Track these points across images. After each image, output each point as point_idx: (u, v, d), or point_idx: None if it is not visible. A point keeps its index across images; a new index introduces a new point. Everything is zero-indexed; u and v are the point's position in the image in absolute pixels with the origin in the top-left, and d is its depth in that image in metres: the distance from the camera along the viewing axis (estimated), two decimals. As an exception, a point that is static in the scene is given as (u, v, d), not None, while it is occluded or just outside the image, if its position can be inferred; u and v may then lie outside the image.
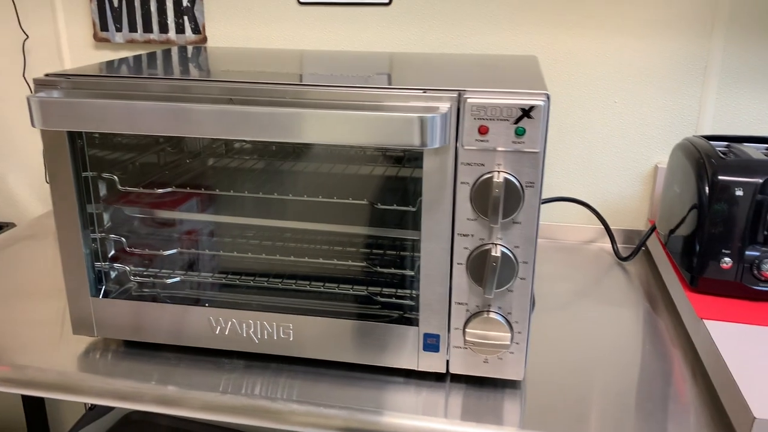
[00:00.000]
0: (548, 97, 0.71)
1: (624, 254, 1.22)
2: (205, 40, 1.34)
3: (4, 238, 1.32)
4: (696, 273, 0.96)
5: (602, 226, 1.26)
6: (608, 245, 1.29)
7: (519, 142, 0.71)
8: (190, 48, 1.18)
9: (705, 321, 0.88)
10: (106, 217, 0.92)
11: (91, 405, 1.53)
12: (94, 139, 0.87)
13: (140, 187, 0.94)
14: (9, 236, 1.33)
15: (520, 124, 0.71)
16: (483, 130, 0.72)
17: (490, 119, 0.71)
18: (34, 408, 1.61)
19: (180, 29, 1.34)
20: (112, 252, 0.93)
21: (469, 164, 0.73)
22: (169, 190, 0.94)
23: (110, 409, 1.51)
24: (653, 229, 1.18)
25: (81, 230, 0.85)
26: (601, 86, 1.24)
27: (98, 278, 0.89)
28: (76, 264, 0.87)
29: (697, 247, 0.95)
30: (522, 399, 0.82)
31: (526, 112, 0.70)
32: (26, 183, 1.54)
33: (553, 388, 0.85)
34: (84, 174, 0.85)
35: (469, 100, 0.71)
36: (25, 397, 1.59)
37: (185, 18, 1.33)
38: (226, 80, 0.78)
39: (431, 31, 1.27)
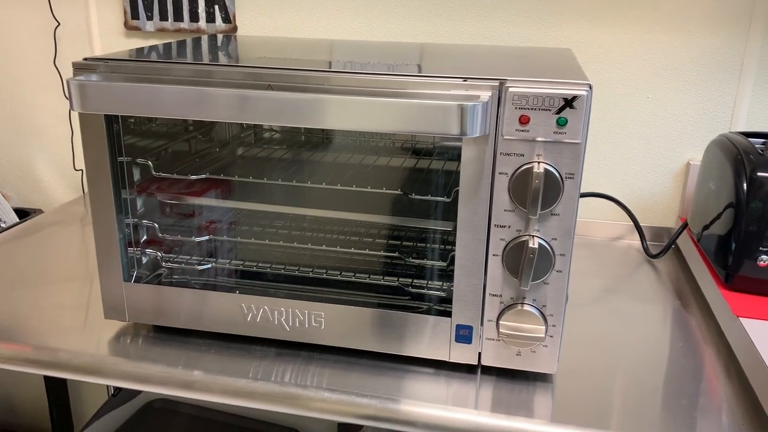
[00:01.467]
0: (591, 87, 0.70)
1: (654, 252, 1.21)
2: (235, 29, 1.35)
3: (32, 224, 1.33)
4: (731, 270, 0.94)
5: (632, 223, 1.25)
6: (637, 242, 1.28)
7: (560, 133, 0.71)
8: (220, 36, 1.18)
9: (741, 319, 0.87)
10: (139, 202, 0.92)
11: (115, 391, 1.54)
12: (129, 124, 0.87)
13: (174, 173, 0.94)
14: (36, 222, 1.34)
15: (562, 114, 0.70)
16: (524, 120, 0.71)
17: (532, 109, 0.70)
18: (58, 395, 1.62)
19: (210, 18, 1.34)
20: (145, 238, 0.93)
21: (508, 154, 0.73)
22: (203, 176, 0.94)
23: (132, 396, 1.52)
24: (685, 226, 1.17)
25: (115, 215, 0.85)
26: (633, 81, 1.23)
27: (131, 263, 0.90)
28: (109, 249, 0.87)
29: (733, 245, 0.94)
30: (553, 393, 0.81)
31: (569, 102, 0.69)
32: (54, 170, 1.56)
33: (583, 383, 0.84)
34: (120, 159, 0.85)
35: (510, 89, 0.71)
36: (48, 384, 1.60)
37: (216, 7, 1.33)
38: (259, 66, 0.78)
39: (464, 22, 1.26)
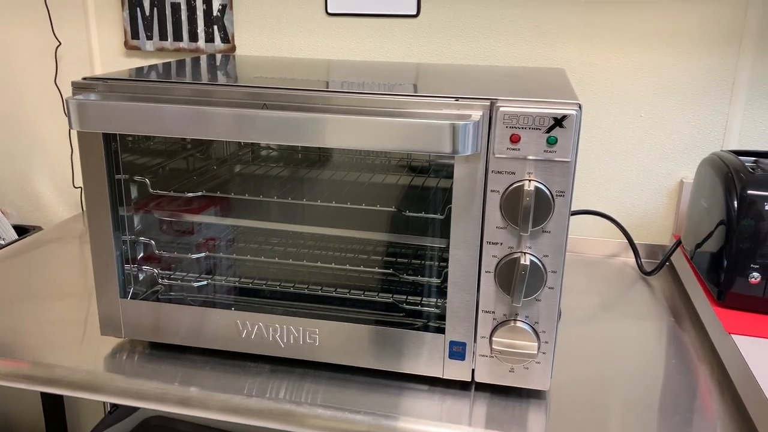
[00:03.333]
0: (580, 107, 0.71)
1: (648, 269, 1.22)
2: (234, 49, 1.36)
3: (31, 240, 1.34)
4: (723, 288, 0.95)
5: (626, 241, 1.26)
6: (632, 260, 1.28)
7: (550, 151, 0.72)
8: (219, 56, 1.20)
9: (733, 335, 0.88)
10: (136, 220, 0.93)
11: (111, 409, 1.54)
12: (127, 142, 0.88)
13: (171, 191, 0.95)
14: (36, 239, 1.35)
15: (552, 133, 0.71)
16: (514, 139, 0.72)
17: (522, 128, 0.72)
18: (54, 411, 1.62)
19: (209, 38, 1.36)
20: (141, 254, 0.94)
21: (499, 172, 0.74)
22: (200, 193, 0.95)
23: (129, 413, 1.52)
24: (678, 243, 1.18)
25: (113, 232, 0.86)
26: (626, 100, 1.24)
27: (127, 280, 0.90)
28: (106, 265, 0.88)
29: (725, 262, 0.95)
30: (547, 409, 0.82)
31: (558, 122, 0.71)
32: (54, 187, 1.57)
33: (577, 400, 0.84)
34: (117, 176, 0.86)
35: (501, 109, 0.72)
36: (44, 401, 1.60)
37: (215, 27, 1.35)
38: (256, 86, 0.79)
39: (458, 42, 1.28)
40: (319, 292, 0.93)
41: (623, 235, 1.25)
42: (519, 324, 0.78)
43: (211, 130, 0.75)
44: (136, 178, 0.91)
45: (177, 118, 0.75)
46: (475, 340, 0.81)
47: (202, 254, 0.98)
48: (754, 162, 1.04)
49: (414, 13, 1.27)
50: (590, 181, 1.30)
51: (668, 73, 1.21)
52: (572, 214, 1.28)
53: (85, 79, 0.83)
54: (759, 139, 1.20)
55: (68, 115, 0.77)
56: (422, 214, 0.90)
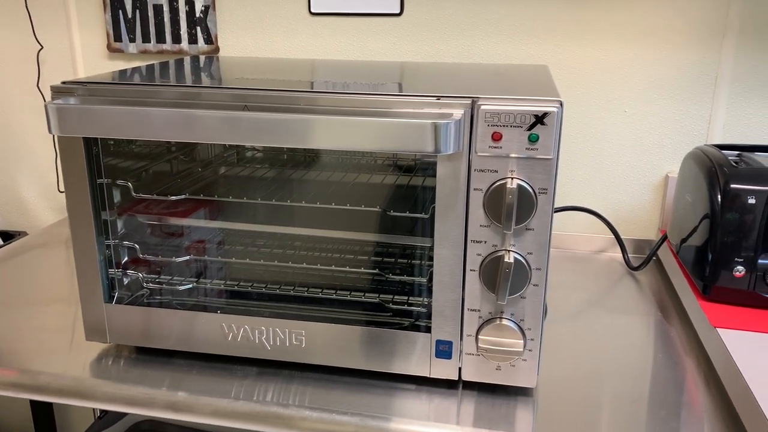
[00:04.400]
0: (561, 104, 0.71)
1: (635, 264, 1.22)
2: (217, 50, 1.36)
3: (16, 246, 1.33)
4: (708, 282, 0.96)
5: (613, 236, 1.26)
6: (619, 255, 1.29)
7: (532, 149, 0.72)
8: (202, 58, 1.19)
9: (718, 329, 0.88)
10: (119, 224, 0.92)
11: (101, 414, 1.53)
12: (108, 146, 0.88)
13: (154, 194, 0.94)
14: (21, 245, 1.34)
15: (534, 130, 0.71)
16: (496, 137, 0.72)
17: (504, 126, 0.72)
18: (43, 417, 1.61)
19: (193, 39, 1.35)
20: (125, 259, 0.94)
21: (482, 171, 0.74)
22: (183, 197, 0.95)
23: (119, 418, 1.51)
24: (664, 238, 1.18)
25: (95, 237, 0.86)
26: (611, 96, 1.24)
27: (111, 285, 0.90)
28: (90, 270, 0.87)
29: (710, 256, 0.95)
30: (534, 407, 0.82)
31: (540, 119, 0.71)
32: (38, 192, 1.56)
33: (565, 396, 0.84)
34: (99, 181, 0.85)
35: (482, 107, 0.72)
36: (34, 406, 1.59)
37: (198, 29, 1.34)
38: (239, 87, 0.79)
39: (442, 41, 1.28)
40: (306, 294, 0.93)
41: (610, 231, 1.25)
42: (504, 322, 0.78)
43: (195, 133, 0.75)
44: (119, 182, 0.90)
45: (158, 122, 0.75)
46: (461, 339, 0.81)
47: (187, 257, 0.98)
48: (738, 156, 1.05)
49: (397, 11, 1.27)
50: (576, 178, 1.30)
51: (652, 68, 1.22)
52: (559, 211, 1.29)
53: (64, 83, 0.82)
54: (742, 133, 1.21)
55: (48, 120, 0.76)
56: (407, 214, 0.90)
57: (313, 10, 1.30)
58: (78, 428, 1.73)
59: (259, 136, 0.73)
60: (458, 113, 0.72)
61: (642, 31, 1.20)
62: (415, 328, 0.83)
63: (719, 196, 0.94)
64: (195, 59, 1.14)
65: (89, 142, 0.83)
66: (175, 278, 0.97)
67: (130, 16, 1.36)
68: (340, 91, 0.76)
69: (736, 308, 0.94)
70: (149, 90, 0.80)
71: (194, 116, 0.74)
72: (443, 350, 0.82)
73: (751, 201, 0.92)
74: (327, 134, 0.72)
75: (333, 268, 0.96)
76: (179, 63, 1.07)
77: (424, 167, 1.03)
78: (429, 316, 0.81)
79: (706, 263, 0.96)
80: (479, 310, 0.79)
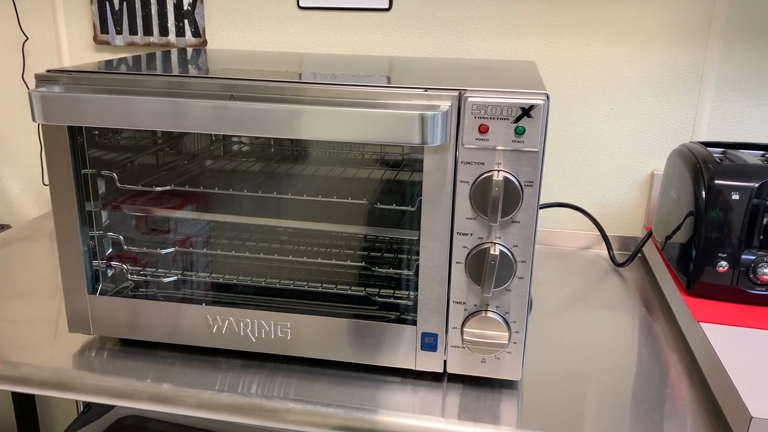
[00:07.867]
0: (548, 97, 0.71)
1: (620, 260, 1.23)
2: (205, 43, 1.35)
3: (0, 239, 1.32)
4: (692, 277, 0.96)
5: (598, 233, 1.27)
6: (604, 251, 1.29)
7: (519, 141, 0.72)
8: (189, 50, 1.18)
9: (701, 324, 0.89)
10: (104, 215, 0.92)
11: (84, 409, 1.52)
12: (93, 136, 0.87)
13: (139, 185, 0.94)
14: (4, 237, 1.33)
15: (520, 123, 0.71)
16: (483, 129, 0.72)
17: (491, 118, 0.72)
18: (26, 411, 1.59)
19: (180, 32, 1.34)
20: (110, 250, 0.93)
21: (468, 163, 0.74)
22: (168, 188, 0.94)
23: (103, 412, 1.50)
24: (650, 235, 1.19)
25: (79, 227, 0.85)
26: (597, 93, 1.25)
27: (95, 276, 0.89)
28: (73, 261, 0.86)
29: (694, 252, 0.96)
30: (519, 399, 0.82)
31: (526, 111, 0.71)
32: (23, 185, 1.54)
33: (550, 390, 0.85)
34: (84, 171, 0.85)
35: (469, 99, 0.72)
36: (16, 401, 1.58)
37: (185, 21, 1.34)
38: (226, 77, 0.79)
39: (430, 36, 1.28)
40: (291, 286, 0.92)
41: (596, 228, 1.26)
42: (490, 314, 0.78)
43: (181, 123, 0.74)
44: (104, 172, 0.89)
45: (143, 110, 0.74)
46: (446, 332, 0.81)
47: (171, 250, 0.97)
48: (722, 153, 1.05)
49: (386, 6, 1.27)
50: (562, 174, 1.30)
51: (638, 66, 1.22)
52: (545, 207, 1.29)
53: (49, 71, 0.82)
54: (727, 131, 1.22)
55: (31, 108, 0.75)
56: (393, 206, 0.90)
57: (301, 5, 1.30)
58: (61, 425, 1.72)
59: (246, 126, 0.73)
60: (445, 105, 0.72)
61: (629, 29, 1.21)
62: (401, 320, 0.83)
63: (703, 193, 0.94)
64: (182, 51, 1.14)
65: (74, 132, 0.82)
66: (159, 270, 0.96)
67: (117, 7, 1.35)
68: (327, 82, 0.76)
69: (720, 303, 0.95)
70: (135, 79, 0.80)
71: (180, 105, 0.73)
72: (429, 343, 0.82)
73: (735, 197, 0.93)
74: (314, 125, 0.72)
75: (319, 260, 0.95)
76: (166, 54, 1.06)
77: (411, 161, 1.03)
78: (415, 309, 0.81)
79: (690, 259, 0.96)
80: (465, 303, 0.79)
